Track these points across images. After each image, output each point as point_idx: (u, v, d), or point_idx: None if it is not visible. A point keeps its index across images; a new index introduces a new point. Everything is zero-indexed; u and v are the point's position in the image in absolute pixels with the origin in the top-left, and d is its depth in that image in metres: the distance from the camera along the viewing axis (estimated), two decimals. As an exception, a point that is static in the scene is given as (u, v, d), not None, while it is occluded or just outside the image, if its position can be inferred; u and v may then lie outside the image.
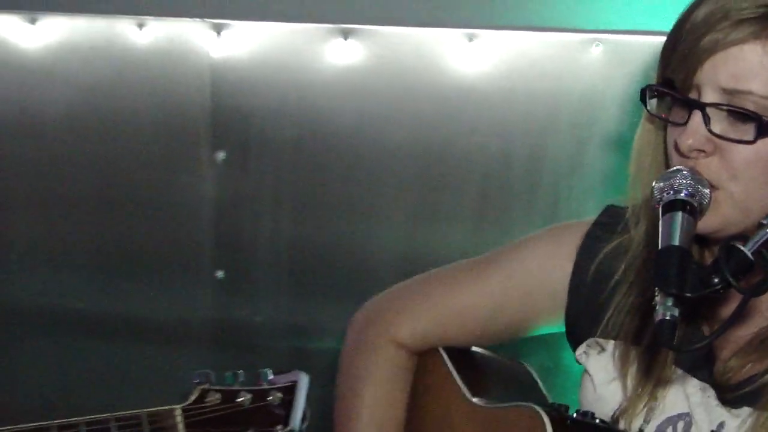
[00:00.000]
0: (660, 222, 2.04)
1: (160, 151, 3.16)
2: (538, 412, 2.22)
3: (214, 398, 2.43)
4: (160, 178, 3.17)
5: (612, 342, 2.33)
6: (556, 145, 3.15)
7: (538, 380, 2.56)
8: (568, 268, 2.41)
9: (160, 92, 3.12)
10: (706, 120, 2.03)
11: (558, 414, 2.23)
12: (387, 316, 2.58)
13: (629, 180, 2.27)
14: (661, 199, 2.03)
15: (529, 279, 2.46)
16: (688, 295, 1.93)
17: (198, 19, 3.08)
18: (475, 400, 2.43)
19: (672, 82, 2.11)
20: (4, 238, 3.22)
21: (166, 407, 2.40)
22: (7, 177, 3.20)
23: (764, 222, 1.97)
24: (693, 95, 2.05)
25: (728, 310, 2.11)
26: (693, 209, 2.01)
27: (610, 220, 2.39)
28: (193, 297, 3.19)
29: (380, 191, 3.18)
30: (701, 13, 2.05)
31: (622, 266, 2.32)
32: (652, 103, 2.16)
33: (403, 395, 2.54)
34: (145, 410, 2.38)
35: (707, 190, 2.03)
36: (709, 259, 2.16)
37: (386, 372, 2.55)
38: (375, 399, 2.53)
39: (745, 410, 2.16)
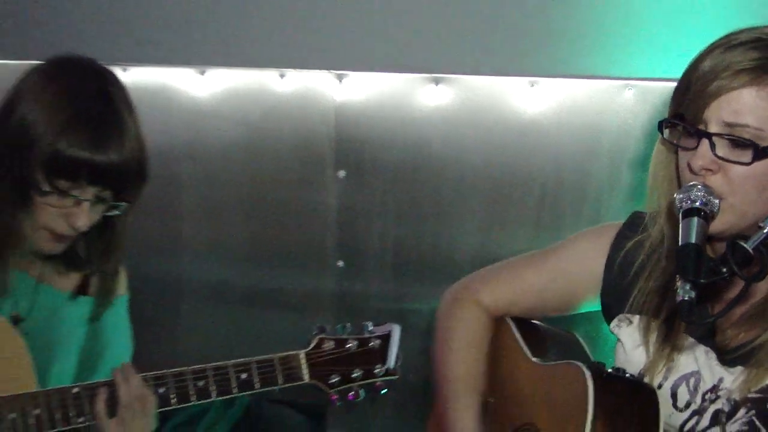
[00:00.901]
0: (680, 225, 2.16)
1: (296, 170, 3.30)
2: (581, 367, 2.35)
3: (329, 345, 2.53)
4: (296, 191, 3.31)
5: (637, 316, 2.44)
6: (597, 168, 3.25)
7: (584, 345, 2.66)
8: (602, 258, 2.52)
9: (296, 126, 3.28)
10: (712, 146, 2.16)
11: (596, 369, 2.35)
12: (474, 285, 2.68)
13: (647, 191, 2.38)
14: (681, 207, 2.16)
15: (574, 266, 2.58)
16: (703, 281, 2.08)
17: (325, 71, 3.24)
18: (534, 359, 2.55)
19: (683, 116, 2.21)
20: (181, 235, 3.37)
21: (293, 352, 2.51)
22: (183, 192, 3.34)
23: (762, 225, 2.10)
24: (701, 127, 2.17)
25: (729, 293, 2.27)
26: (706, 215, 2.14)
27: (634, 222, 2.50)
28: (321, 280, 3.34)
29: (461, 203, 3.29)
30: (707, 64, 2.17)
31: (642, 257, 2.43)
32: (667, 132, 2.28)
33: (483, 346, 2.63)
34: (277, 354, 2.49)
35: (717, 201, 2.16)
36: (717, 252, 2.24)
37: (471, 326, 2.64)
38: (463, 348, 2.62)
39: (739, 368, 2.29)
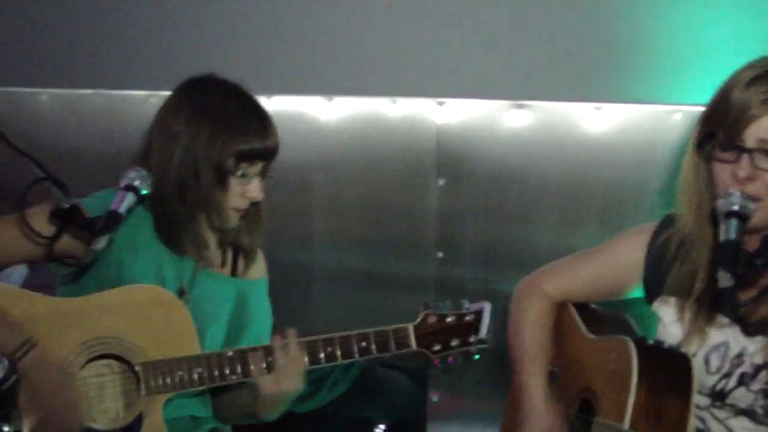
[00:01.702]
0: (721, 225, 2.19)
1: (404, 179, 3.44)
2: (627, 340, 2.41)
3: (432, 319, 2.58)
4: (404, 196, 3.45)
5: (673, 298, 2.47)
6: (653, 177, 3.31)
7: (631, 323, 2.68)
8: (643, 252, 2.55)
9: (405, 144, 3.42)
10: (752, 159, 2.21)
11: (640, 341, 2.41)
12: (540, 278, 2.73)
13: (677, 195, 2.40)
14: (722, 210, 2.19)
15: (620, 259, 2.61)
16: (741, 271, 2.12)
17: (428, 98, 3.37)
18: (590, 335, 2.61)
19: (715, 134, 2.25)
20: (312, 231, 3.53)
21: (403, 324, 2.57)
22: (314, 197, 3.51)
23: None
24: (739, 143, 2.21)
25: (760, 279, 2.30)
26: (743, 216, 2.18)
27: (668, 221, 2.51)
28: (424, 268, 3.46)
29: (539, 208, 3.40)
30: (743, 95, 2.21)
31: (674, 248, 2.45)
32: (703, 146, 2.30)
33: (548, 325, 2.68)
34: (390, 326, 2.56)
35: (752, 205, 2.19)
36: (751, 247, 2.22)
37: (538, 310, 2.68)
38: (531, 327, 2.67)
39: (759, 338, 2.34)
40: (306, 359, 2.50)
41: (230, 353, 2.50)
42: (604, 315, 2.75)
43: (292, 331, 2.52)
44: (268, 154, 2.58)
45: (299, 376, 2.50)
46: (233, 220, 2.60)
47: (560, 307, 2.74)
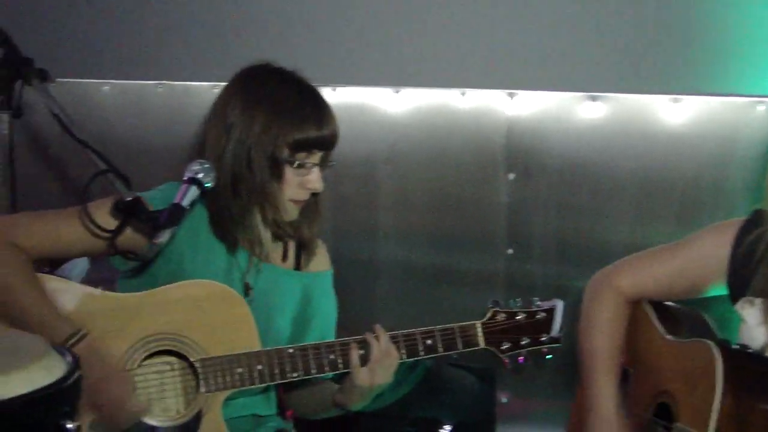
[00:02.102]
0: None
1: (473, 173, 3.40)
2: (710, 344, 2.37)
3: (501, 316, 2.56)
4: (473, 190, 3.41)
5: (759, 299, 2.42)
6: (733, 171, 3.26)
7: (710, 323, 2.62)
8: (727, 249, 2.49)
9: (474, 137, 3.37)
10: None
11: (723, 345, 2.37)
12: (614, 274, 2.68)
13: (764, 191, 2.43)
14: None
15: (703, 256, 2.55)
16: None
17: (498, 90, 3.33)
18: (668, 336, 2.56)
19: None
20: (378, 225, 3.50)
21: (470, 322, 2.54)
22: (381, 190, 3.49)
23: None
24: None
25: None
26: None
27: (756, 218, 2.47)
28: (493, 264, 3.41)
29: (612, 202, 3.34)
30: None
31: (763, 247, 2.42)
32: None
33: (621, 326, 2.64)
34: (457, 324, 2.53)
35: None
36: None
37: (611, 309, 2.64)
38: (604, 327, 2.64)
39: None
40: (402, 353, 2.51)
41: (291, 350, 2.48)
42: (681, 313, 2.70)
43: (380, 327, 2.52)
44: (325, 144, 2.52)
45: (391, 369, 2.50)
46: (292, 212, 2.56)
47: (635, 304, 2.69)
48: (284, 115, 2.48)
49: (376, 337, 2.49)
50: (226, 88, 2.58)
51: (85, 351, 2.24)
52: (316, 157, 2.51)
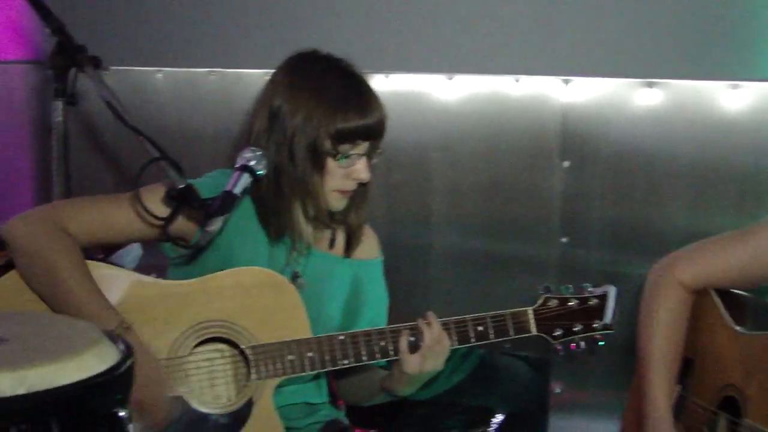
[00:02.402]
0: None
1: (527, 160, 3.38)
2: None
3: (553, 303, 2.53)
4: (527, 177, 3.38)
5: None
6: None
7: None
8: None
9: (528, 124, 3.35)
10: None
11: None
12: (676, 265, 2.62)
13: None
14: None
15: None
16: None
17: (553, 76, 3.30)
18: (737, 327, 2.50)
19: None
20: (431, 211, 3.49)
21: (522, 308, 2.52)
22: (433, 177, 3.47)
23: None
24: None
25: None
26: None
27: None
28: (547, 253, 3.40)
29: (670, 189, 3.29)
30: None
31: None
32: None
33: (682, 322, 2.60)
34: (508, 310, 2.51)
35: None
36: None
37: (672, 305, 2.59)
38: (663, 325, 2.60)
39: None
40: (453, 340, 2.49)
41: (341, 337, 2.47)
42: (749, 303, 2.65)
43: (432, 314, 2.50)
44: (371, 133, 2.48)
45: (442, 356, 2.48)
46: (338, 203, 2.54)
47: (701, 293, 2.63)
48: (326, 103, 2.44)
49: (428, 324, 2.47)
50: (273, 75, 2.55)
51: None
52: (362, 147, 2.47)
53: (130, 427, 1.72)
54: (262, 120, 2.51)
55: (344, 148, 2.44)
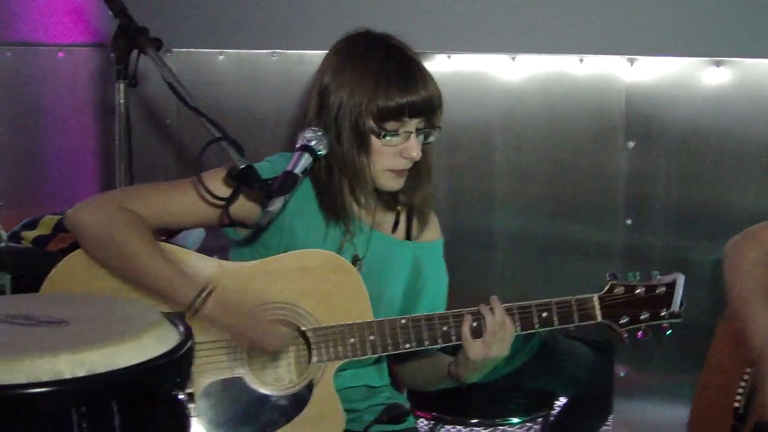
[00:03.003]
0: None
1: (591, 141, 3.31)
2: None
3: (619, 290, 2.49)
4: (591, 158, 3.32)
5: None
6: None
7: None
8: None
9: (592, 104, 3.28)
10: None
11: None
12: (753, 230, 2.65)
13: None
14: None
15: None
16: None
17: (617, 56, 3.23)
18: None
19: None
20: (494, 193, 3.44)
21: (588, 295, 2.48)
22: (496, 158, 3.42)
23: None
24: None
25: None
26: None
27: None
28: (612, 235, 3.32)
29: (738, 169, 3.21)
30: None
31: None
32: None
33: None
34: (573, 296, 2.47)
35: None
36: None
37: (757, 255, 2.60)
38: (752, 268, 2.59)
39: None
40: (516, 326, 2.46)
41: (404, 321, 2.45)
42: None
43: (495, 298, 2.46)
44: (417, 110, 2.42)
45: (507, 342, 2.44)
46: (391, 182, 2.50)
47: None
48: (369, 81, 2.40)
49: (491, 309, 2.43)
50: (325, 55, 2.53)
51: (217, 303, 2.29)
52: (410, 124, 2.42)
53: (191, 408, 1.74)
54: (313, 100, 2.49)
55: (390, 125, 2.41)
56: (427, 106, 2.42)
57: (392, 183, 2.49)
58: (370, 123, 2.40)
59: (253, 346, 2.37)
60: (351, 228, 2.52)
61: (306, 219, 2.52)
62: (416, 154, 2.43)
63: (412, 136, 2.42)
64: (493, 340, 2.42)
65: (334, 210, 2.50)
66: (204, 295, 2.29)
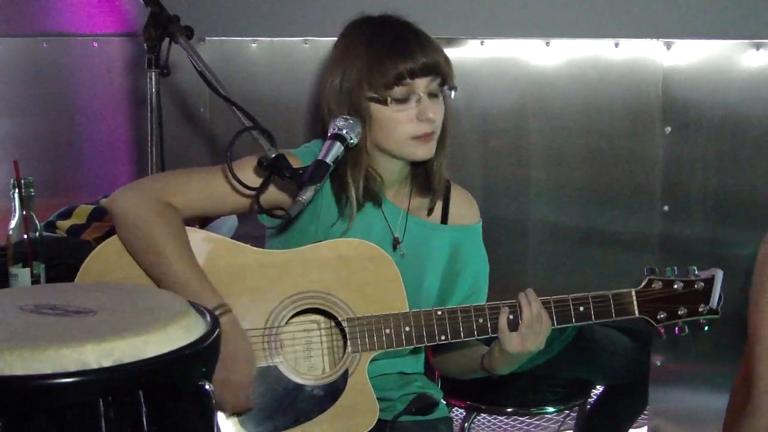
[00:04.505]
0: None
1: (627, 126, 3.23)
2: None
3: (657, 285, 2.48)
4: (627, 144, 3.24)
5: None
6: None
7: None
8: None
9: (628, 89, 3.20)
10: None
11: None
12: None
13: None
14: None
15: None
16: None
17: (654, 39, 3.14)
18: None
19: None
20: (528, 181, 3.35)
21: (625, 290, 2.48)
22: (530, 145, 3.34)
23: None
24: None
25: None
26: None
27: None
28: (648, 223, 3.24)
29: None
30: None
31: None
32: None
33: None
34: (611, 291, 2.46)
35: None
36: None
37: None
38: None
39: None
40: (552, 320, 2.44)
41: (439, 312, 2.42)
42: None
43: (532, 291, 2.45)
44: (419, 71, 2.38)
45: (542, 335, 2.42)
46: (420, 150, 2.45)
47: None
48: (361, 57, 2.41)
49: (528, 302, 2.41)
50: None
51: (226, 326, 2.25)
52: (418, 85, 2.40)
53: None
54: (321, 87, 2.50)
55: (398, 92, 2.39)
56: (426, 63, 2.39)
57: (421, 151, 2.45)
58: (371, 94, 2.39)
59: (222, 382, 2.28)
60: (347, 212, 2.50)
61: (330, 205, 2.52)
62: (432, 114, 2.40)
63: (423, 96, 2.39)
64: (529, 333, 2.40)
65: (338, 193, 2.50)
66: (218, 313, 2.26)
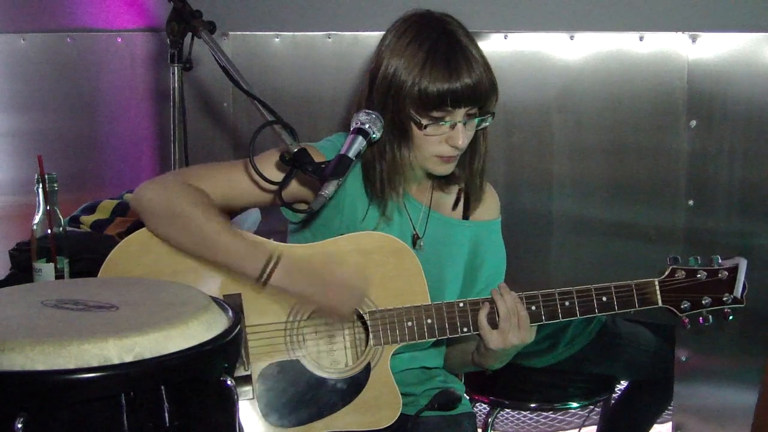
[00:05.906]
0: None
1: (652, 120, 3.19)
2: None
3: (680, 274, 2.47)
4: (651, 138, 3.20)
5: None
6: None
7: None
8: None
9: (653, 82, 3.15)
10: None
11: None
12: None
13: None
14: None
15: None
16: None
17: (680, 32, 3.10)
18: None
19: None
20: (552, 174, 3.34)
21: (648, 279, 2.46)
22: (554, 139, 3.30)
23: None
24: None
25: None
26: None
27: None
28: (672, 216, 3.21)
29: None
30: None
31: None
32: None
33: None
34: (634, 281, 2.45)
35: None
36: None
37: None
38: None
39: None
40: (527, 313, 2.41)
41: (461, 305, 2.42)
42: None
43: (505, 285, 2.45)
44: (460, 98, 2.34)
45: (526, 330, 2.40)
46: (439, 167, 2.45)
47: None
48: (415, 66, 2.34)
49: (501, 295, 2.40)
50: (382, 36, 2.47)
51: (284, 272, 2.27)
52: (457, 114, 2.36)
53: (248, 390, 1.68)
54: (365, 82, 2.46)
55: (436, 114, 2.35)
56: (470, 95, 2.34)
57: (440, 168, 2.45)
58: (411, 113, 2.35)
59: (320, 311, 2.35)
60: (387, 212, 2.49)
61: (353, 198, 2.51)
62: (462, 143, 2.38)
63: (459, 125, 2.37)
64: (508, 327, 2.38)
65: (374, 192, 2.48)
66: (271, 266, 2.26)
